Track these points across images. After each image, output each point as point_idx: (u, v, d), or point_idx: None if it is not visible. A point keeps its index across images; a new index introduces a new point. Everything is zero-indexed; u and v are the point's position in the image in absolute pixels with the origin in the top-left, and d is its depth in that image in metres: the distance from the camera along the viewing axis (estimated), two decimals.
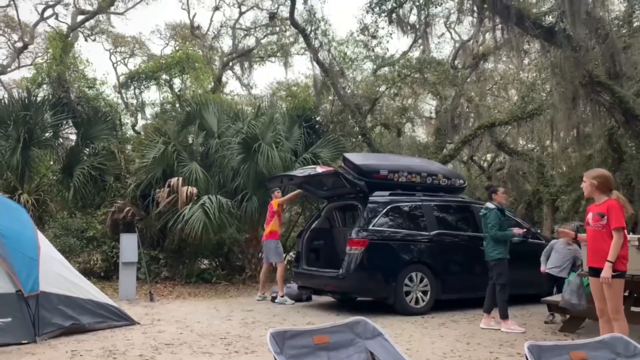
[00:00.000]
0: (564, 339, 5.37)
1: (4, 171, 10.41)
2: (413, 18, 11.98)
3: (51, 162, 12.80)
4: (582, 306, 5.41)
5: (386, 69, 14.56)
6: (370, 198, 7.35)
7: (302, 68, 50.75)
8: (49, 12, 18.10)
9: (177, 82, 17.16)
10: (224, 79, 19.54)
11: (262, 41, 18.70)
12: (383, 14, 10.76)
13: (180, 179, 9.88)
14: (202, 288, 9.85)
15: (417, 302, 7.06)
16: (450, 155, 14.01)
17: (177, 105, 14.31)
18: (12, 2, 17.61)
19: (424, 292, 7.13)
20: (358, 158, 8.17)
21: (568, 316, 6.00)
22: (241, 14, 19.03)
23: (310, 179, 8.11)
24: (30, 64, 18.67)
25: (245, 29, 19.03)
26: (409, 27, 12.02)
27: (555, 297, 6.20)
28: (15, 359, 4.32)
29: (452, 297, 7.43)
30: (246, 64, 18.60)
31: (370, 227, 7.09)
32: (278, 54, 18.43)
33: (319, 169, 7.99)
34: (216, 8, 19.48)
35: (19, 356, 4.40)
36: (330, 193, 8.50)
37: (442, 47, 25.76)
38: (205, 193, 9.89)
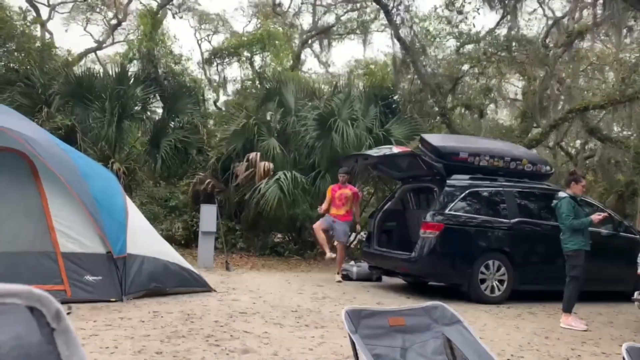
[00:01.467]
0: None
1: (99, 141, 11.18)
2: None
3: (139, 134, 13.59)
4: None
5: (470, 46, 13.89)
6: (447, 181, 7.12)
7: (381, 46, 49.79)
8: None
9: (257, 59, 17.50)
10: (302, 56, 19.62)
11: (342, 18, 18.52)
12: None
13: (259, 154, 10.12)
14: (275, 261, 10.11)
15: (492, 290, 6.80)
16: (536, 140, 13.23)
17: (257, 82, 14.58)
18: None
19: (500, 281, 6.85)
20: (436, 139, 7.92)
21: None
22: None
23: (385, 159, 7.99)
24: (123, 40, 19.80)
25: (325, 6, 18.90)
26: (497, 2, 11.35)
27: None
28: (104, 315, 4.66)
29: (530, 289, 7.08)
30: (325, 42, 18.53)
31: (447, 211, 6.87)
32: (357, 31, 18.20)
33: (395, 149, 7.83)
34: None
35: (107, 313, 4.74)
36: (406, 174, 8.32)
37: (533, 25, 24.16)
38: (281, 168, 10.06)
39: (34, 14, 17.04)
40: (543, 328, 5.39)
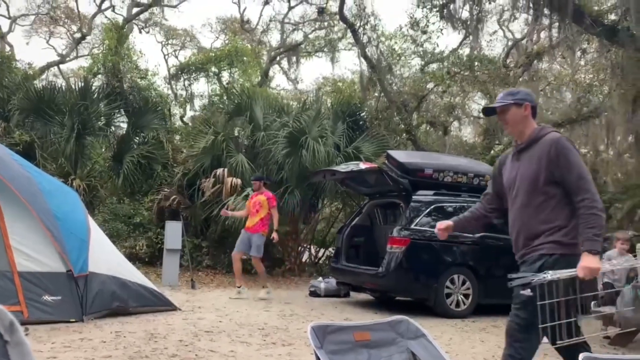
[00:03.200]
0: (613, 352, 5.11)
1: (59, 157, 10.87)
2: (465, 14, 11.69)
3: (103, 150, 13.29)
4: (636, 319, 5.13)
5: (435, 65, 14.28)
6: (413, 197, 7.23)
7: (348, 63, 50.59)
8: (106, 4, 18.76)
9: (225, 75, 17.45)
10: (271, 73, 19.73)
11: (310, 36, 18.75)
12: (434, 9, 10.54)
13: (226, 169, 10.05)
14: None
15: (457, 305, 6.90)
16: (498, 157, 13.61)
17: (225, 97, 14.53)
18: None
19: (466, 295, 6.96)
20: (402, 156, 8.05)
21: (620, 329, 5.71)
22: (290, 8, 19.08)
23: (352, 175, 8.06)
24: (88, 54, 19.43)
25: (293, 24, 19.11)
26: (460, 23, 11.74)
27: (607, 309, 5.90)
28: (63, 336, 4.49)
29: (494, 302, 7.21)
30: (293, 59, 18.69)
31: (413, 226, 6.97)
32: (325, 49, 18.42)
33: (362, 165, 7.92)
34: (266, 2, 19.58)
35: (66, 334, 4.58)
36: (373, 190, 8.41)
37: (494, 45, 25.00)
38: (249, 185, 10.00)
39: None
40: None
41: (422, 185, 7.43)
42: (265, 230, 7.70)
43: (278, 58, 19.45)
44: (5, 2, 19.06)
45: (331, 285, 8.31)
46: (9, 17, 19.61)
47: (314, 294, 8.22)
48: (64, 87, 12.31)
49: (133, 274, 5.87)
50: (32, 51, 35.76)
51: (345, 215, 11.49)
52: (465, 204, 7.38)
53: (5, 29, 18.94)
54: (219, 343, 4.62)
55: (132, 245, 10.28)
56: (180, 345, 4.42)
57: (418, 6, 10.83)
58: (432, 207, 7.18)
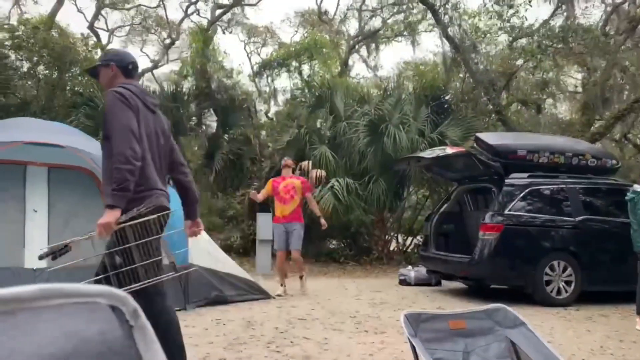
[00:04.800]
0: None
1: None
2: None
3: (195, 148, 14.07)
4: None
5: (524, 40, 13.43)
6: (506, 180, 6.89)
7: (430, 45, 48.99)
8: (191, 9, 19.73)
9: (305, 68, 17.68)
10: (350, 62, 19.67)
11: (389, 21, 18.42)
12: None
13: (310, 161, 10.22)
14: (331, 267, 10.14)
15: (559, 292, 6.51)
16: (599, 133, 12.58)
17: (306, 90, 14.76)
18: (161, 3, 19.49)
19: (567, 283, 6.54)
20: (492, 137, 7.70)
21: None
22: None
23: (439, 161, 7.84)
24: (177, 59, 20.59)
25: (371, 10, 18.89)
26: None
27: None
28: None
29: (600, 289, 6.72)
30: (372, 46, 18.51)
31: (506, 211, 6.65)
32: (405, 33, 18.03)
33: (449, 150, 7.68)
34: None
35: None
36: (461, 175, 8.14)
37: (590, 13, 23.02)
38: (334, 175, 10.11)
39: (95, 39, 18.05)
40: (617, 331, 5.10)
41: (515, 167, 7.06)
42: (302, 220, 6.90)
43: (357, 46, 19.35)
44: (103, 16, 20.68)
45: (421, 274, 8.18)
46: (108, 30, 21.27)
47: (403, 282, 8.14)
48: (157, 92, 13.16)
49: (229, 265, 6.16)
50: None
51: (433, 203, 11.24)
52: (565, 186, 6.92)
53: (104, 41, 20.56)
54: (313, 330, 4.73)
55: (226, 238, 10.80)
56: (276, 333, 4.59)
57: None
58: (527, 190, 6.81)
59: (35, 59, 12.76)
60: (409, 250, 11.59)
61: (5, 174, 5.04)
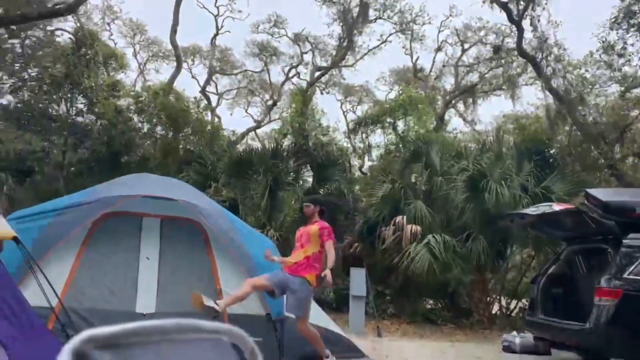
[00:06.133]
0: None
1: (256, 210, 12.19)
2: None
3: (292, 202, 14.51)
4: None
5: (638, 90, 12.53)
6: (624, 241, 6.26)
7: (531, 98, 47.28)
8: (293, 72, 21.00)
9: (400, 124, 17.81)
10: (446, 117, 19.53)
11: (486, 75, 18.17)
12: (632, 29, 9.37)
13: (405, 217, 10.07)
14: (428, 328, 9.67)
15: None
16: None
17: (401, 145, 14.81)
18: (265, 67, 20.98)
19: None
20: (605, 194, 7.09)
21: None
22: (464, 51, 18.92)
23: (545, 218, 7.34)
24: (278, 118, 21.79)
25: (467, 65, 18.81)
26: None
27: None
28: None
29: None
30: (469, 100, 18.27)
31: (626, 275, 5.99)
32: (504, 87, 17.64)
33: (556, 207, 7.19)
34: (438, 49, 19.79)
35: None
36: (570, 234, 7.53)
37: None
38: (429, 231, 9.84)
39: (206, 102, 19.73)
40: None
41: (634, 227, 6.40)
42: (312, 273, 5.21)
43: (453, 101, 19.22)
44: (214, 81, 22.64)
45: (528, 341, 7.52)
46: (217, 93, 23.20)
47: (508, 349, 7.53)
48: (259, 149, 13.95)
49: (323, 319, 6.13)
50: (235, 120, 41.47)
51: (539, 263, 10.45)
52: None
53: (214, 103, 22.39)
54: None
55: (320, 291, 10.79)
56: None
57: (611, 29, 9.75)
58: None
59: (154, 120, 14.18)
60: (513, 314, 10.77)
61: (125, 224, 5.54)
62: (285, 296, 5.34)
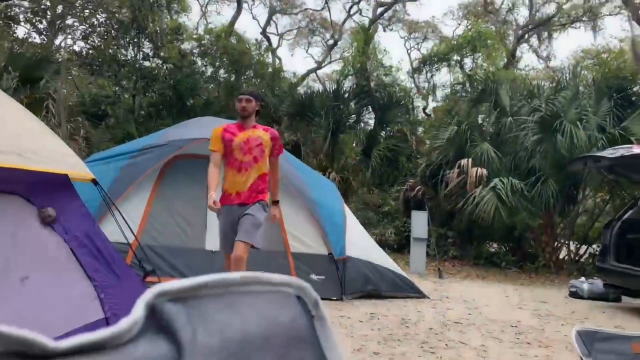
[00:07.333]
0: None
1: (318, 153, 12.28)
2: None
3: (354, 145, 14.47)
4: None
5: None
6: None
7: (614, 30, 43.30)
8: (354, 9, 20.29)
9: (468, 62, 16.97)
10: (518, 53, 18.35)
11: (565, 6, 16.72)
12: None
13: (470, 159, 9.78)
14: (491, 271, 9.60)
15: None
16: None
17: (468, 85, 14.17)
18: (326, 5, 20.39)
19: None
20: None
21: None
22: None
23: (623, 161, 6.88)
24: (339, 58, 21.36)
25: None
26: None
27: None
28: (328, 312, 5.05)
29: None
30: (544, 34, 16.99)
31: None
32: (584, 18, 16.19)
33: (636, 149, 6.70)
34: None
35: (329, 310, 5.15)
36: None
37: None
38: (496, 174, 9.54)
39: (267, 44, 19.62)
40: None
41: None
42: (266, 197, 4.00)
43: (526, 36, 17.95)
44: (274, 22, 22.38)
45: (596, 287, 7.30)
46: (278, 34, 22.96)
47: (574, 294, 7.35)
48: (320, 91, 13.84)
49: (385, 259, 6.22)
50: (296, 61, 41.22)
51: (614, 208, 9.92)
52: None
53: (275, 45, 22.24)
54: (469, 335, 4.54)
55: (381, 233, 10.92)
56: (430, 333, 4.51)
57: None
58: None
59: (217, 64, 14.34)
60: (582, 259, 10.43)
61: (193, 166, 5.76)
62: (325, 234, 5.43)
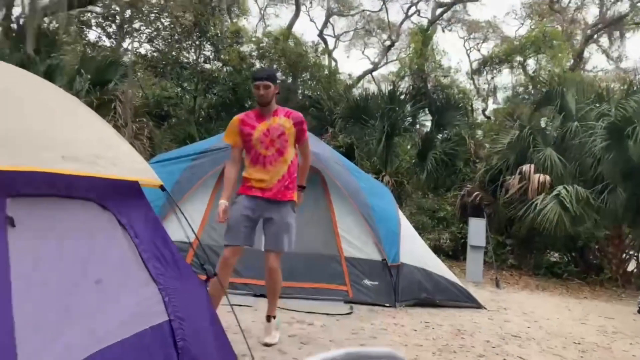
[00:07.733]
0: None
1: (372, 156, 12.19)
2: None
3: (408, 147, 14.27)
4: None
5: None
6: None
7: None
8: (412, 10, 20.01)
9: (531, 63, 16.34)
10: (586, 54, 17.48)
11: (639, 4, 15.74)
12: None
13: (532, 165, 9.42)
14: (551, 282, 9.21)
15: None
16: None
17: (531, 87, 13.63)
18: (384, 6, 20.23)
19: None
20: None
21: None
22: None
23: None
24: (395, 59, 21.13)
25: None
26: None
27: None
28: (381, 318, 5.02)
29: None
30: (616, 34, 16.06)
31: None
32: None
33: None
34: None
35: (383, 317, 5.10)
36: None
37: None
38: (560, 182, 9.12)
39: (323, 46, 19.72)
40: None
41: None
42: (294, 197, 3.72)
43: (596, 36, 17.05)
44: (331, 23, 22.45)
45: None
46: (334, 36, 23.02)
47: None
48: (375, 93, 13.73)
49: (440, 267, 6.08)
50: (351, 63, 41.12)
51: None
52: None
53: (331, 47, 22.31)
54: (528, 350, 4.37)
55: (436, 238, 10.70)
56: (487, 346, 4.37)
57: None
58: None
59: (275, 66, 14.56)
60: None
61: None
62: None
